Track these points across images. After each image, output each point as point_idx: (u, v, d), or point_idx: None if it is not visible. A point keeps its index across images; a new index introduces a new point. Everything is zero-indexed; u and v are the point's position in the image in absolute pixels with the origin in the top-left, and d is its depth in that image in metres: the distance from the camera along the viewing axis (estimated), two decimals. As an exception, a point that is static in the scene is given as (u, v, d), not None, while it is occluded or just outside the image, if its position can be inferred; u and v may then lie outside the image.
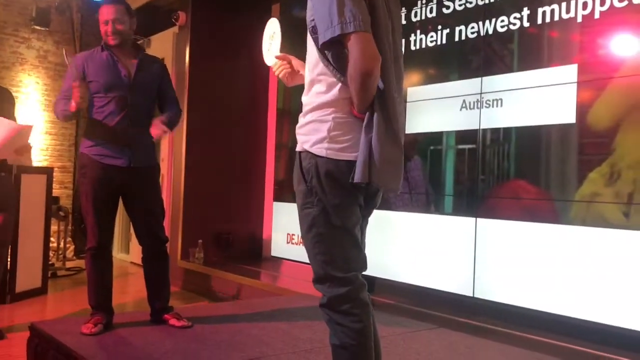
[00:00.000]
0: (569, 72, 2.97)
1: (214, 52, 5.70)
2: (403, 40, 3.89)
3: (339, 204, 1.67)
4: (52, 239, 5.48)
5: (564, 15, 3.03)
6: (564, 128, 2.99)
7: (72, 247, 7.08)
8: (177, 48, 6.02)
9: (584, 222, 2.87)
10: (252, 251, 5.84)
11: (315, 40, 1.66)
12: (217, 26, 5.72)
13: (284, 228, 4.86)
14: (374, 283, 3.95)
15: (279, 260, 5.01)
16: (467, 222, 3.40)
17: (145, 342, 2.69)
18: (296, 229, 4.68)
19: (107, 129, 3.01)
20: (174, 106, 3.22)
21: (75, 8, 7.09)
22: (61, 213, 6.39)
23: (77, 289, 5.30)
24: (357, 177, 1.60)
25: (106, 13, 3.09)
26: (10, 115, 3.52)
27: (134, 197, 3.09)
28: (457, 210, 3.52)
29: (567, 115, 2.96)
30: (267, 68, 5.93)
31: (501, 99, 3.28)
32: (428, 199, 3.71)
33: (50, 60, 7.11)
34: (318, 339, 2.85)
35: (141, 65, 3.13)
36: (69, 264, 6.49)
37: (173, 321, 3.04)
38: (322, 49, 1.64)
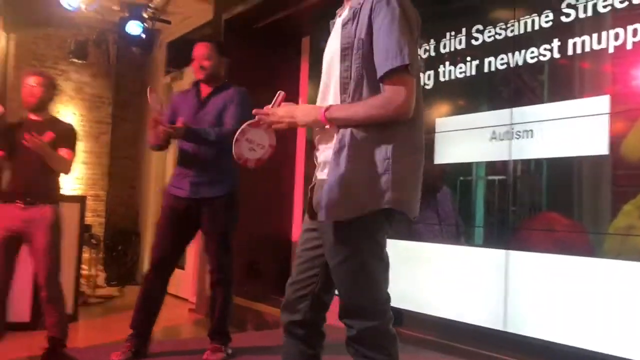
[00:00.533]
0: (601, 103, 2.94)
1: (243, 82, 5.78)
2: (432, 72, 3.91)
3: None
4: (83, 266, 5.55)
5: (595, 47, 3.01)
6: (596, 159, 2.95)
7: (103, 275, 7.16)
8: (209, 80, 6.12)
9: (618, 255, 2.80)
10: (282, 281, 5.81)
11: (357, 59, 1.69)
12: (248, 57, 5.81)
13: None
14: (401, 315, 3.89)
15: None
16: (498, 254, 3.35)
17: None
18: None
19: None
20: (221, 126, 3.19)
21: (111, 41, 7.30)
22: (93, 241, 6.49)
23: (107, 317, 5.35)
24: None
25: (196, 51, 3.32)
26: None
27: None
28: (488, 242, 3.47)
29: (599, 146, 2.92)
30: (297, 98, 6.01)
31: (532, 130, 3.25)
32: (458, 230, 3.67)
33: (86, 91, 7.32)
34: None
35: (212, 94, 3.29)
36: (99, 292, 6.56)
37: (207, 354, 3.05)
38: (382, 77, 1.65)
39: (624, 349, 2.73)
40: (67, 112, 7.21)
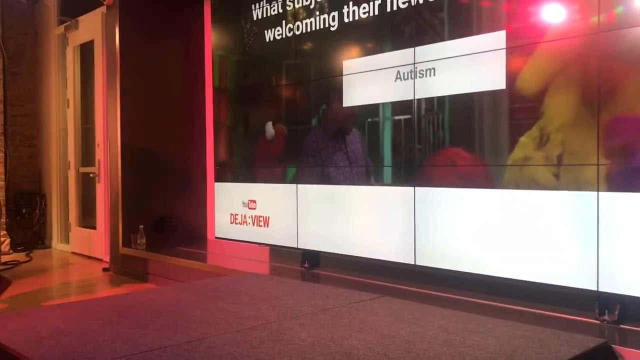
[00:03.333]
0: (498, 39, 3.02)
1: (145, 31, 5.52)
2: (337, 13, 3.87)
3: None
4: (-16, 233, 5.25)
5: (491, -17, 3.06)
6: (494, 94, 3.04)
7: (8, 240, 6.82)
8: (107, 29, 5.80)
9: (517, 186, 2.94)
10: (196, 234, 5.76)
11: None
12: (147, 4, 5.53)
13: (227, 208, 4.80)
14: (318, 257, 3.96)
15: (222, 241, 4.96)
16: (406, 191, 3.44)
17: (82, 331, 2.61)
18: (239, 209, 4.64)
19: None
20: None
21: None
22: (-7, 205, 6.12)
23: (14, 283, 5.10)
24: None
25: None
26: None
27: None
28: (396, 180, 3.55)
29: (497, 81, 3.02)
30: (202, 46, 5.81)
31: (434, 68, 3.31)
32: (368, 171, 3.73)
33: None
34: (262, 316, 2.84)
35: None
36: (4, 258, 6.24)
37: None
38: None
39: (524, 273, 2.91)
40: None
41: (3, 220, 6.63)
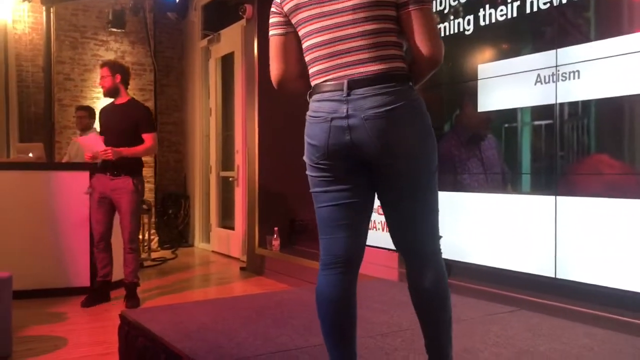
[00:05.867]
0: (652, 38, 2.80)
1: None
2: (472, 16, 3.79)
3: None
4: (137, 231, 5.74)
5: (645, -23, 2.84)
6: (648, 97, 2.82)
7: (156, 238, 7.40)
8: (246, 41, 6.12)
9: (674, 196, 2.70)
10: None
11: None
12: None
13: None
14: (451, 266, 3.88)
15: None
16: (547, 200, 3.28)
17: (225, 327, 2.78)
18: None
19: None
20: None
21: (147, 8, 7.34)
22: (145, 206, 6.68)
23: (162, 279, 5.55)
24: None
25: None
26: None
27: None
28: (536, 189, 3.40)
29: (651, 83, 2.79)
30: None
31: (578, 71, 3.12)
32: (504, 179, 3.61)
33: (127, 60, 7.42)
34: (395, 322, 2.84)
35: None
36: (154, 255, 6.79)
37: None
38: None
39: (680, 291, 2.67)
40: (111, 81, 7.33)
41: (153, 220, 7.22)
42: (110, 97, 4.41)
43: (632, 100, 2.89)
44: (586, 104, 3.11)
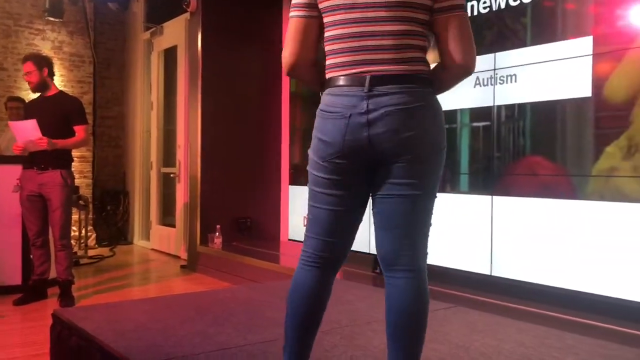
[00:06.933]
0: (584, 45, 2.91)
1: (226, 37, 5.69)
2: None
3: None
4: (73, 228, 5.55)
5: (578, -14, 2.96)
6: (579, 102, 2.94)
7: (94, 235, 7.18)
8: (190, 34, 6.01)
9: (602, 197, 2.83)
10: (270, 235, 5.87)
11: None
12: (229, 11, 5.70)
13: (301, 211, 4.87)
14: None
15: (296, 243, 5.04)
16: (484, 200, 3.37)
17: (163, 326, 2.72)
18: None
19: None
20: None
21: (86, -2, 7.12)
22: (81, 202, 6.48)
23: (99, 277, 5.39)
24: None
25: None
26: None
27: None
28: (473, 189, 3.49)
29: (582, 88, 2.91)
30: (280, 51, 5.92)
31: (515, 75, 3.23)
32: (444, 178, 3.68)
33: (65, 50, 7.17)
34: (334, 319, 2.86)
35: None
36: (91, 252, 6.59)
37: None
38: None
39: (605, 288, 2.79)
40: (47, 72, 7.06)
41: (90, 216, 7.00)
42: (39, 91, 4.23)
43: (566, 104, 3.00)
44: (522, 107, 3.22)
